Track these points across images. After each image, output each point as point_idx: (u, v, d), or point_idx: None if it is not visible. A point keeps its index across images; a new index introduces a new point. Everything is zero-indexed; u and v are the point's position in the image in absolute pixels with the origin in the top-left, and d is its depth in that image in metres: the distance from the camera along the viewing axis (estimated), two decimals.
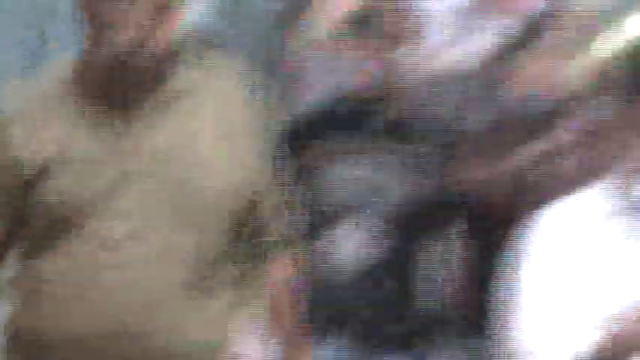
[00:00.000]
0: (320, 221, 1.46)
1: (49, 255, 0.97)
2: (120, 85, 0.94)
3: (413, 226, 1.56)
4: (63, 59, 1.02)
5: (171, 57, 0.94)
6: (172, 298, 0.95)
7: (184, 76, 0.96)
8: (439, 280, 1.60)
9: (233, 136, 0.98)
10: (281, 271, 1.06)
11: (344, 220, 1.52)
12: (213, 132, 0.97)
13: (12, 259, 1.04)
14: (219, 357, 0.99)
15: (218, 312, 0.98)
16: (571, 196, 1.24)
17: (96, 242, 0.94)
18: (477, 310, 1.94)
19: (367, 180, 1.51)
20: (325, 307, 1.41)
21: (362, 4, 1.50)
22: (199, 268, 0.95)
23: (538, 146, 1.54)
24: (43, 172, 0.95)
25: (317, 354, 1.28)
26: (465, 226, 1.57)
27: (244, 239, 1.01)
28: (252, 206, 1.00)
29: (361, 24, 1.51)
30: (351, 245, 1.51)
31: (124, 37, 0.89)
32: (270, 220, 1.03)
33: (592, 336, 1.17)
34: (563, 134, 1.50)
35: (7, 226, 1.00)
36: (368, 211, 1.50)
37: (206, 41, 1.37)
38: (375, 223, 1.55)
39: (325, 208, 1.47)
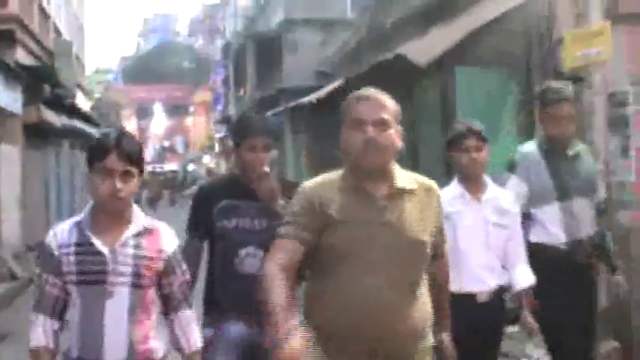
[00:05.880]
0: None
1: (328, 276, 1.78)
2: (372, 179, 1.82)
3: None
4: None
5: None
6: (397, 298, 1.77)
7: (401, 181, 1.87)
8: None
9: (426, 217, 1.86)
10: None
11: None
12: (417, 214, 1.84)
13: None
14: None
15: (420, 305, 1.86)
16: None
17: (359, 269, 1.75)
18: None
19: None
20: None
21: None
22: (410, 284, 1.82)
23: None
24: (331, 224, 1.78)
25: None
26: None
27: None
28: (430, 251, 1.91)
29: None
30: None
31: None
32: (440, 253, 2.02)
33: None
34: None
35: (305, 252, 1.81)
36: None
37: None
38: None
39: None
